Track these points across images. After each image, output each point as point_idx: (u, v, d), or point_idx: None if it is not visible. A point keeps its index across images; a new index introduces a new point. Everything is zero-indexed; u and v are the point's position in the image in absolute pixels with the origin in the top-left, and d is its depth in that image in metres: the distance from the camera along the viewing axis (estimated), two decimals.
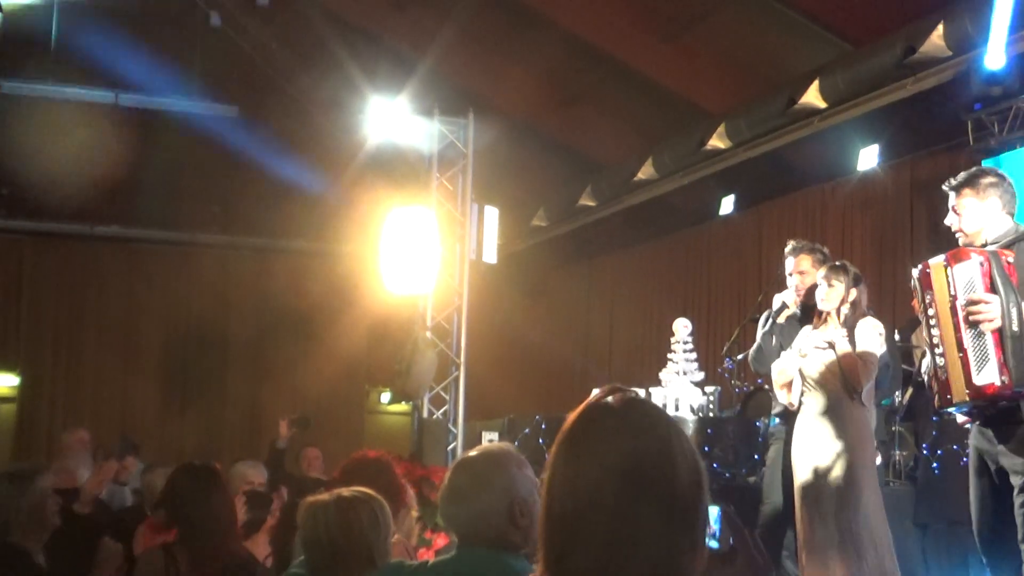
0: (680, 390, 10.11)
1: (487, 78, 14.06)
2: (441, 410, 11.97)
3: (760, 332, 7.37)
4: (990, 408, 4.97)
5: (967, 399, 4.91)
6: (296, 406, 15.15)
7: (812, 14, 11.52)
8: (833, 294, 6.44)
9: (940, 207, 11.59)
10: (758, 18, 11.91)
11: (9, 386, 18.23)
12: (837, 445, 6.34)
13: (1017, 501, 4.94)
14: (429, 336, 11.80)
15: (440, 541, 8.91)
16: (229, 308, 18.73)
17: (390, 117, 12.27)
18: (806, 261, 7.01)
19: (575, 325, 18.20)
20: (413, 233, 11.76)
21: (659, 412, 1.92)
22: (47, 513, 4.81)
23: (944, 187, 5.34)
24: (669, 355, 10.43)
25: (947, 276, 4.98)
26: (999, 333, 4.83)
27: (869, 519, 6.33)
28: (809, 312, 6.70)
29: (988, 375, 4.85)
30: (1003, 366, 4.82)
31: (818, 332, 6.49)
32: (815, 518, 6.27)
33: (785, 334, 6.89)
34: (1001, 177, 5.23)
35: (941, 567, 8.33)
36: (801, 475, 6.40)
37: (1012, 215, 5.20)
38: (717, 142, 12.94)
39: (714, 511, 2.08)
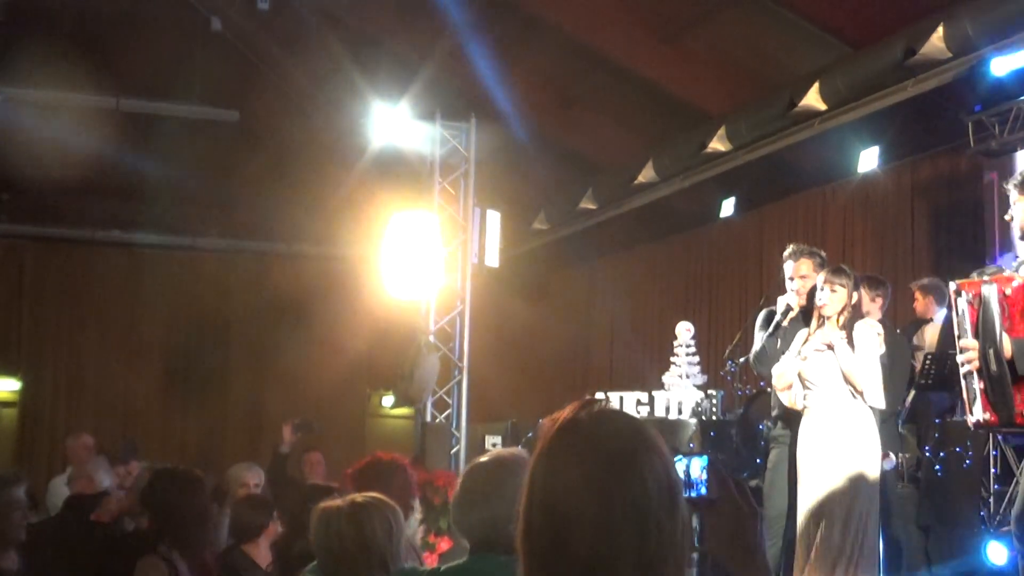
0: (683, 393, 10.14)
1: (489, 82, 14.07)
2: (444, 414, 11.98)
3: (757, 333, 7.39)
4: None
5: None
6: (298, 409, 15.13)
7: (812, 16, 11.53)
8: (836, 299, 6.47)
9: (940, 208, 11.68)
10: (758, 20, 11.92)
11: (11, 391, 18.25)
12: (842, 449, 6.36)
13: None
14: (432, 340, 11.82)
15: (443, 545, 8.93)
16: (230, 312, 18.75)
17: (392, 122, 12.29)
18: (806, 265, 7.04)
19: (577, 328, 18.22)
20: (415, 237, 11.78)
21: (630, 428, 1.91)
22: (11, 524, 4.68)
23: (1006, 185, 5.45)
24: (672, 358, 10.45)
25: (956, 307, 5.16)
26: (980, 373, 5.03)
27: (871, 523, 6.37)
28: (809, 315, 6.73)
29: (978, 412, 5.09)
30: (987, 404, 5.03)
31: (817, 334, 6.52)
32: (822, 521, 6.29)
33: (787, 336, 6.92)
34: None
35: (944, 569, 8.35)
36: (806, 478, 6.42)
37: None
38: (717, 144, 12.95)
39: (702, 460, 2.12)
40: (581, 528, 1.81)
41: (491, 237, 12.21)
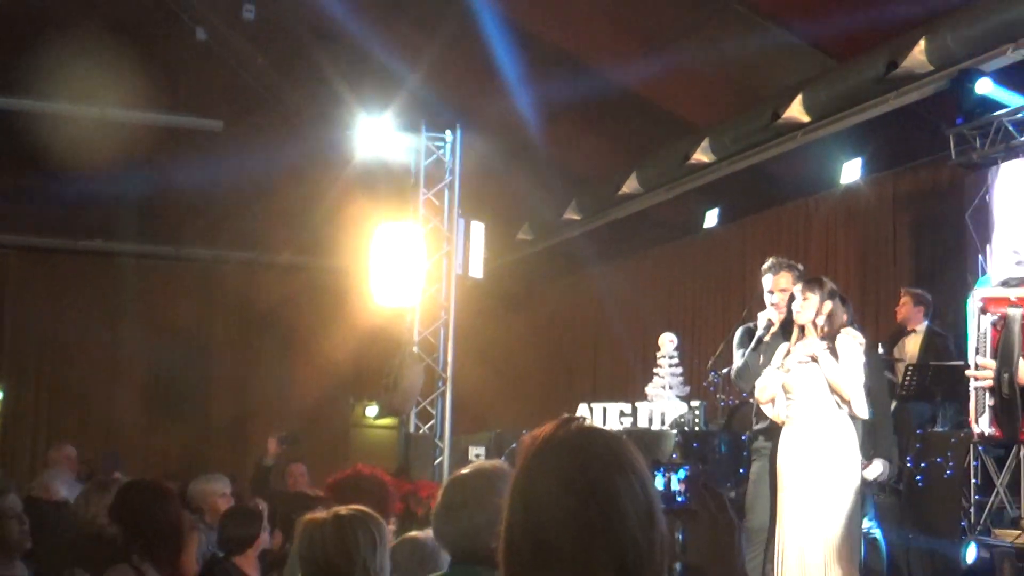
0: (666, 404, 10.16)
1: (473, 93, 14.09)
2: (428, 424, 11.98)
3: (736, 351, 7.42)
4: None
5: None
6: (282, 419, 15.14)
7: (795, 28, 11.58)
8: (808, 306, 6.51)
9: (922, 220, 11.74)
10: (741, 32, 11.96)
11: None
12: (824, 459, 6.39)
13: None
14: (416, 351, 11.82)
15: None
16: (214, 322, 18.74)
17: (377, 133, 12.31)
18: (785, 279, 7.08)
19: (561, 338, 18.24)
20: (400, 248, 11.80)
21: (609, 446, 1.93)
22: (9, 532, 4.70)
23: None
24: (655, 369, 10.48)
25: (979, 324, 5.29)
26: (992, 392, 5.24)
27: (853, 531, 6.40)
28: (789, 328, 6.76)
29: (984, 424, 5.36)
30: (994, 421, 5.28)
31: (799, 346, 6.56)
32: (804, 532, 6.32)
33: (768, 351, 6.95)
34: None
35: None
36: (789, 488, 6.46)
37: None
38: (701, 156, 12.99)
39: (681, 472, 2.15)
40: (560, 545, 1.84)
41: (475, 248, 12.23)
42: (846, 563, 6.31)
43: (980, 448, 8.13)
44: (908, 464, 8.71)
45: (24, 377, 18.11)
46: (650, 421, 10.07)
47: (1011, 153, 9.94)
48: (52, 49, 13.74)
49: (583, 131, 14.84)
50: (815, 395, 6.49)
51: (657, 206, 14.51)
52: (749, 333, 7.32)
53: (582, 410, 10.07)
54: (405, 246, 11.80)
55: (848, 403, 6.42)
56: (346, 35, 13.72)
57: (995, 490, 8.01)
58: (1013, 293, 5.33)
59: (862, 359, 6.55)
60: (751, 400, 7.37)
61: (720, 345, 10.20)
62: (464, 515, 3.08)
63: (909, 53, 10.06)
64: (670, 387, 10.30)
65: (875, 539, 7.74)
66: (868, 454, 6.88)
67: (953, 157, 10.44)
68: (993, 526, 8.02)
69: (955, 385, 9.03)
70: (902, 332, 9.69)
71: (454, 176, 12.25)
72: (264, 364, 18.13)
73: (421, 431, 11.95)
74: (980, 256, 9.95)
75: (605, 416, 10.09)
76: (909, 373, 8.93)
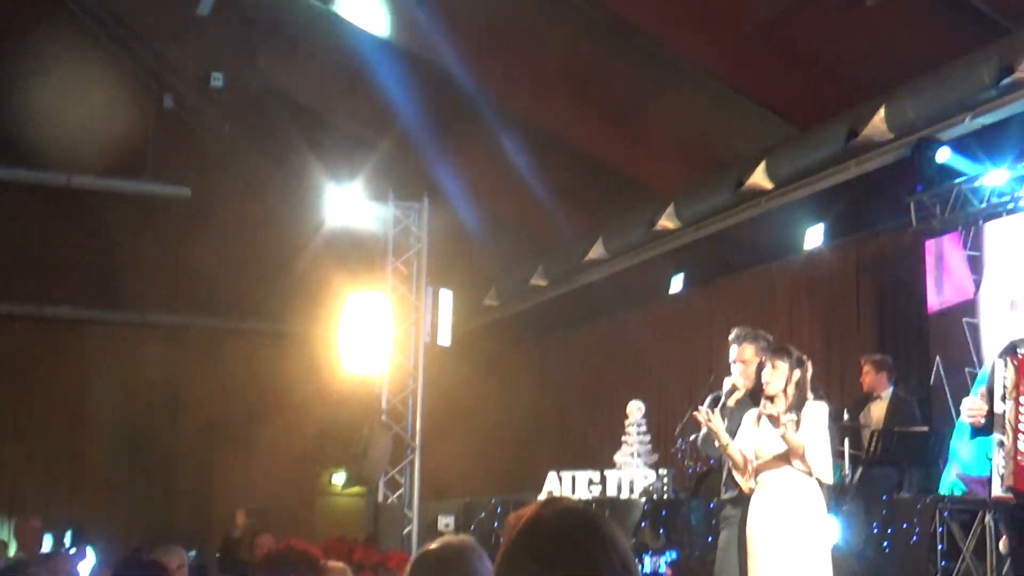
0: (634, 472, 10.17)
1: (440, 161, 14.19)
2: (396, 493, 11.94)
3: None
4: None
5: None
6: (248, 488, 15.03)
7: (758, 97, 11.75)
8: (777, 375, 6.54)
9: (885, 285, 11.85)
10: (706, 101, 12.13)
11: None
12: (793, 525, 6.41)
13: None
14: (384, 419, 11.81)
15: None
16: (181, 388, 18.61)
17: (345, 201, 12.38)
18: (749, 350, 7.11)
19: (528, 405, 18.20)
20: (368, 317, 11.82)
21: (590, 526, 1.97)
22: None
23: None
24: (623, 437, 10.50)
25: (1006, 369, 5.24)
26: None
27: None
28: (757, 396, 6.80)
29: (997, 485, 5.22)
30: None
31: (766, 414, 6.58)
32: None
33: (735, 417, 6.98)
34: None
35: None
36: (759, 555, 6.47)
37: None
38: (666, 222, 13.11)
39: (668, 556, 2.18)
40: None
41: (443, 316, 12.28)
42: None
43: (946, 514, 8.17)
44: (875, 530, 8.74)
45: None
46: (619, 489, 10.06)
47: (971, 220, 10.09)
48: (19, 115, 13.77)
49: (549, 198, 14.93)
50: (783, 463, 6.52)
51: (623, 272, 14.59)
52: (716, 400, 7.35)
53: (551, 478, 10.08)
54: (374, 315, 11.83)
55: (811, 471, 6.43)
56: (314, 104, 13.82)
57: (961, 555, 8.04)
58: None
59: (826, 425, 6.60)
60: (718, 467, 7.39)
61: (687, 411, 10.24)
62: None
63: (870, 121, 10.24)
64: (638, 455, 10.32)
65: None
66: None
67: (914, 224, 10.58)
68: None
69: (921, 450, 9.12)
70: (868, 398, 9.74)
71: (422, 244, 12.31)
72: (231, 431, 18.01)
73: (390, 500, 11.91)
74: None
75: (574, 484, 10.09)
76: (874, 439, 8.97)
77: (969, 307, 10.02)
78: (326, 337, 12.73)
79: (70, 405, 18.04)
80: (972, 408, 5.43)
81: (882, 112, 10.16)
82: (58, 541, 10.44)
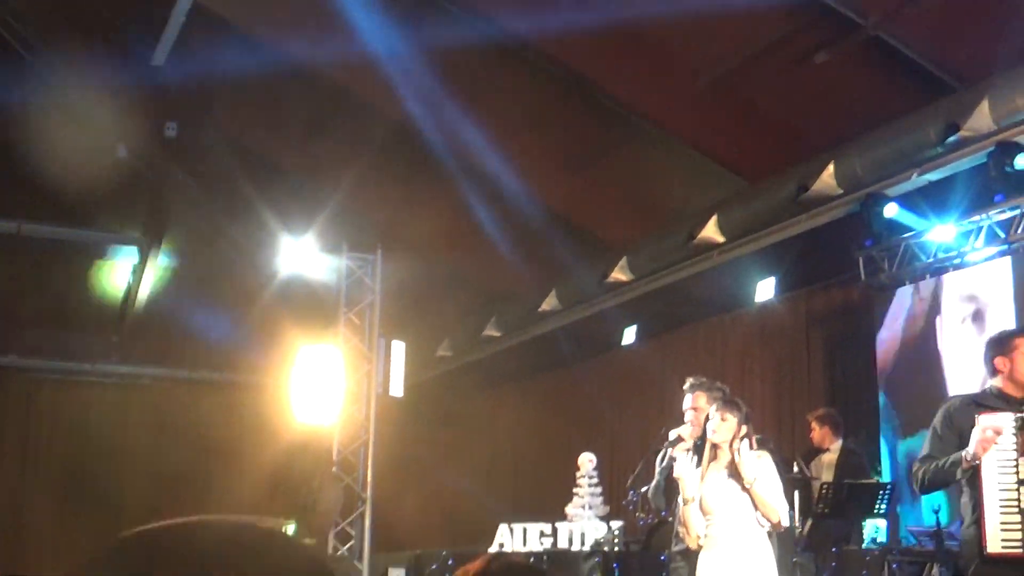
0: (585, 524, 10.15)
1: (395, 213, 14.21)
2: (347, 545, 11.85)
3: (658, 468, 7.46)
4: None
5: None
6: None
7: (710, 152, 11.88)
8: (725, 427, 6.54)
9: (835, 338, 11.96)
10: (659, 155, 12.25)
11: None
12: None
13: None
14: (335, 471, 11.74)
15: None
16: (129, 438, 18.41)
17: (299, 253, 12.38)
18: (701, 398, 7.15)
19: (481, 456, 18.16)
20: (321, 368, 11.79)
21: None
22: None
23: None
24: (575, 489, 10.48)
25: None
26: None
27: None
28: (703, 448, 6.81)
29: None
30: None
31: (714, 466, 6.59)
32: None
33: (684, 468, 6.98)
34: None
35: None
36: None
37: None
38: (619, 274, 13.20)
39: None
40: None
41: (396, 367, 12.26)
42: None
43: (894, 566, 8.22)
44: None
45: None
46: (570, 542, 10.03)
47: (919, 274, 10.23)
48: None
49: (503, 249, 14.97)
50: (734, 514, 6.52)
51: (576, 323, 14.65)
52: (661, 451, 7.38)
53: (502, 531, 10.03)
54: (326, 365, 11.80)
55: (771, 516, 6.42)
56: (268, 155, 13.82)
57: None
58: None
59: (776, 472, 6.61)
60: (670, 519, 7.40)
61: (639, 463, 10.25)
62: None
63: (819, 176, 10.39)
64: (590, 507, 10.31)
65: None
66: None
67: (863, 278, 10.71)
68: None
69: (870, 502, 9.17)
70: (818, 450, 9.81)
71: (375, 296, 12.31)
72: (181, 482, 17.81)
73: (340, 552, 11.81)
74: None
75: (525, 536, 10.05)
76: (825, 491, 9.02)
77: (924, 355, 10.13)
78: (278, 387, 12.66)
79: (15, 454, 17.81)
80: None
81: (831, 167, 10.32)
82: None
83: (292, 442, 12.84)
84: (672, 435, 7.24)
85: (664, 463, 7.23)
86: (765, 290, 12.77)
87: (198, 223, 15.05)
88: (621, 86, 11.58)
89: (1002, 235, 9.43)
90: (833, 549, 9.02)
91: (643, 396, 14.70)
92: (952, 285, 9.97)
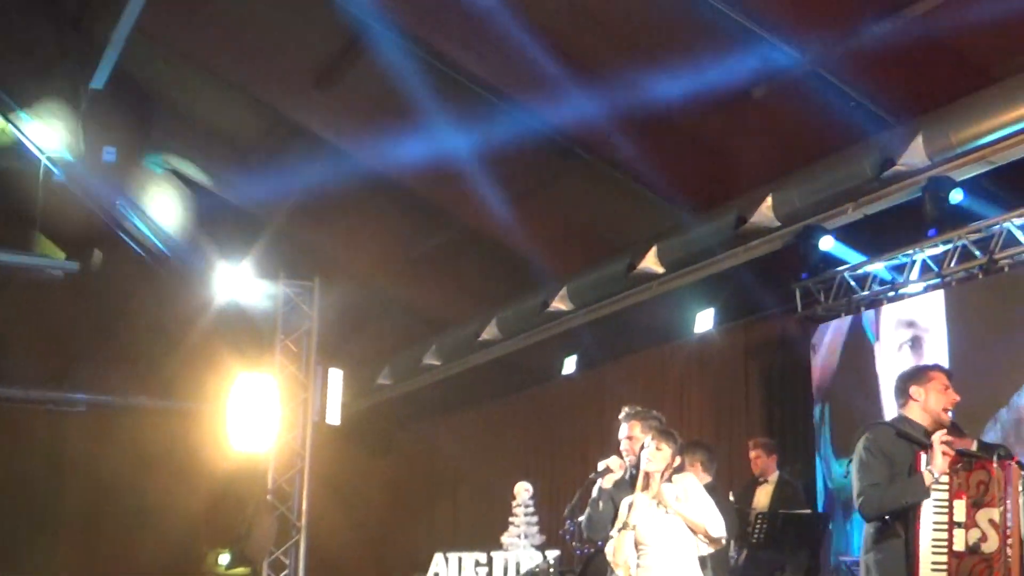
0: (522, 554, 10.10)
1: (333, 240, 14.15)
2: (282, 574, 11.73)
3: (590, 499, 7.43)
4: None
5: None
6: (134, 567, 14.66)
7: (651, 183, 11.93)
8: (659, 457, 6.52)
9: (772, 369, 12.03)
10: (599, 186, 12.31)
11: None
12: None
13: None
14: (270, 499, 11.64)
15: None
16: (66, 465, 18.19)
17: (236, 279, 12.28)
18: (636, 427, 7.12)
19: (420, 485, 18.07)
20: (257, 395, 11.69)
21: None
22: None
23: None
24: (511, 518, 10.44)
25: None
26: None
27: None
28: (635, 479, 6.78)
29: None
30: None
31: (645, 496, 6.56)
32: None
33: (617, 498, 6.96)
34: None
35: None
36: None
37: None
38: (560, 304, 13.23)
39: None
40: None
41: (333, 395, 12.18)
42: None
43: None
44: None
45: None
46: (505, 571, 9.97)
47: (854, 306, 10.31)
48: None
49: (443, 278, 14.97)
50: (666, 544, 6.49)
51: (516, 352, 14.64)
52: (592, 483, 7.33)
53: (437, 560, 9.95)
54: (262, 393, 11.70)
55: (707, 531, 6.39)
56: (206, 180, 13.74)
57: None
58: None
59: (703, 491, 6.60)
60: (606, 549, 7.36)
61: (577, 492, 10.22)
62: None
63: (758, 209, 10.47)
64: (525, 536, 10.27)
65: None
66: None
67: (800, 310, 10.78)
68: None
69: (805, 533, 9.21)
70: (754, 482, 9.83)
71: (313, 323, 12.24)
72: (115, 509, 17.60)
73: None
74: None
75: (460, 566, 9.97)
76: (759, 521, 9.04)
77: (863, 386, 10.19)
78: (214, 414, 12.54)
79: None
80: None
81: (769, 200, 10.40)
82: None
83: (227, 470, 12.71)
84: (600, 466, 7.22)
85: (595, 494, 7.20)
86: (704, 321, 12.84)
87: (134, 249, 14.91)
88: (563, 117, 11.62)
89: (935, 269, 9.52)
90: None
91: (582, 426, 14.69)
92: (890, 311, 10.04)
